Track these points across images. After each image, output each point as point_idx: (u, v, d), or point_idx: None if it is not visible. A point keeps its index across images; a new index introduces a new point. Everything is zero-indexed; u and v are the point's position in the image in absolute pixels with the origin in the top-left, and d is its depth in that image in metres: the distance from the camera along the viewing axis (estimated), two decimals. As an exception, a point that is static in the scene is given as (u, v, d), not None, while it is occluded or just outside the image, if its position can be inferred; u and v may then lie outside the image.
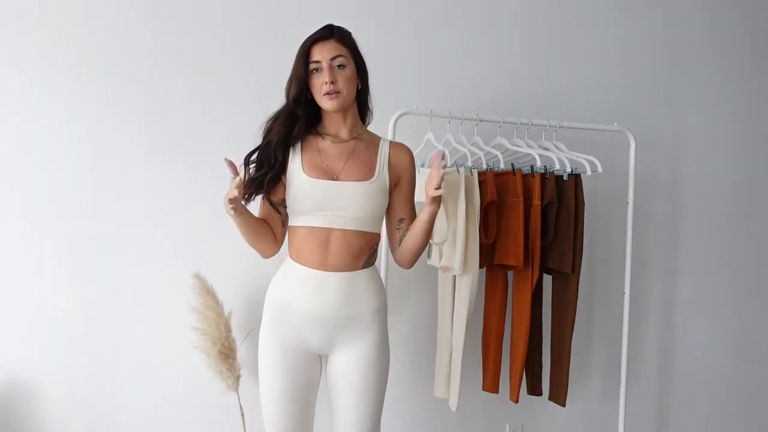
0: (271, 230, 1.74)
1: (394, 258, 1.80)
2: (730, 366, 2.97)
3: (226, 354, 2.18)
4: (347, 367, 1.68)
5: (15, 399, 2.22)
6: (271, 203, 1.71)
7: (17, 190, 2.21)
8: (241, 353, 2.27)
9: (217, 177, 2.30)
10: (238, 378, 2.22)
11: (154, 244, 2.30)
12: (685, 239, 2.90)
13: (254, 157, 1.69)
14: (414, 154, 1.81)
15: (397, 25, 2.53)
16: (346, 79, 1.65)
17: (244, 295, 2.33)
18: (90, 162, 2.26)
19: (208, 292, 2.18)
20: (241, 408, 2.25)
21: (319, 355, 1.73)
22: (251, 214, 1.68)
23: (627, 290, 2.49)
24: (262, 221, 1.73)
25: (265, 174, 1.65)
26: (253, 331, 2.31)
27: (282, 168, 1.67)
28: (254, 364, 2.33)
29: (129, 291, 2.29)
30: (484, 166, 2.23)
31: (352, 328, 1.67)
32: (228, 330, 2.18)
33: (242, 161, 1.68)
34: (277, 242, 1.76)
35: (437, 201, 1.62)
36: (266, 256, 1.77)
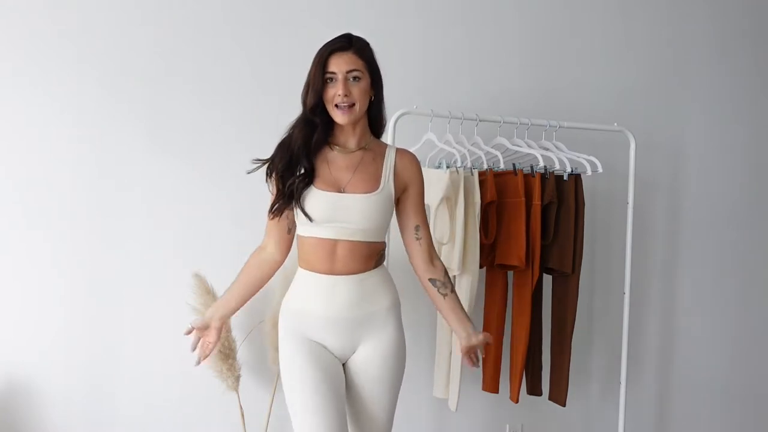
0: (257, 275, 1.76)
1: (415, 268, 1.79)
2: (730, 366, 2.97)
3: (226, 354, 2.17)
4: (366, 363, 1.67)
5: (15, 399, 2.22)
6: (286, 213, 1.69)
7: (18, 189, 2.20)
8: (241, 353, 2.27)
9: (218, 177, 2.32)
10: (238, 378, 2.21)
11: (154, 244, 2.30)
12: (685, 239, 2.90)
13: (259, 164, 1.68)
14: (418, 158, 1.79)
15: (397, 25, 2.52)
16: (360, 92, 1.63)
17: (244, 295, 2.33)
18: (90, 162, 2.25)
19: (208, 292, 2.18)
20: (241, 408, 2.25)
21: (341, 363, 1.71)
22: (229, 300, 1.76)
23: (627, 290, 2.49)
24: (241, 284, 1.76)
25: (295, 182, 1.62)
26: (253, 331, 2.31)
27: (313, 173, 1.64)
28: (254, 364, 2.35)
29: (129, 291, 2.29)
30: (485, 166, 2.23)
31: (367, 327, 1.67)
32: (228, 330, 2.18)
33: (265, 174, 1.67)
34: (281, 255, 1.76)
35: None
36: (275, 270, 1.79)
